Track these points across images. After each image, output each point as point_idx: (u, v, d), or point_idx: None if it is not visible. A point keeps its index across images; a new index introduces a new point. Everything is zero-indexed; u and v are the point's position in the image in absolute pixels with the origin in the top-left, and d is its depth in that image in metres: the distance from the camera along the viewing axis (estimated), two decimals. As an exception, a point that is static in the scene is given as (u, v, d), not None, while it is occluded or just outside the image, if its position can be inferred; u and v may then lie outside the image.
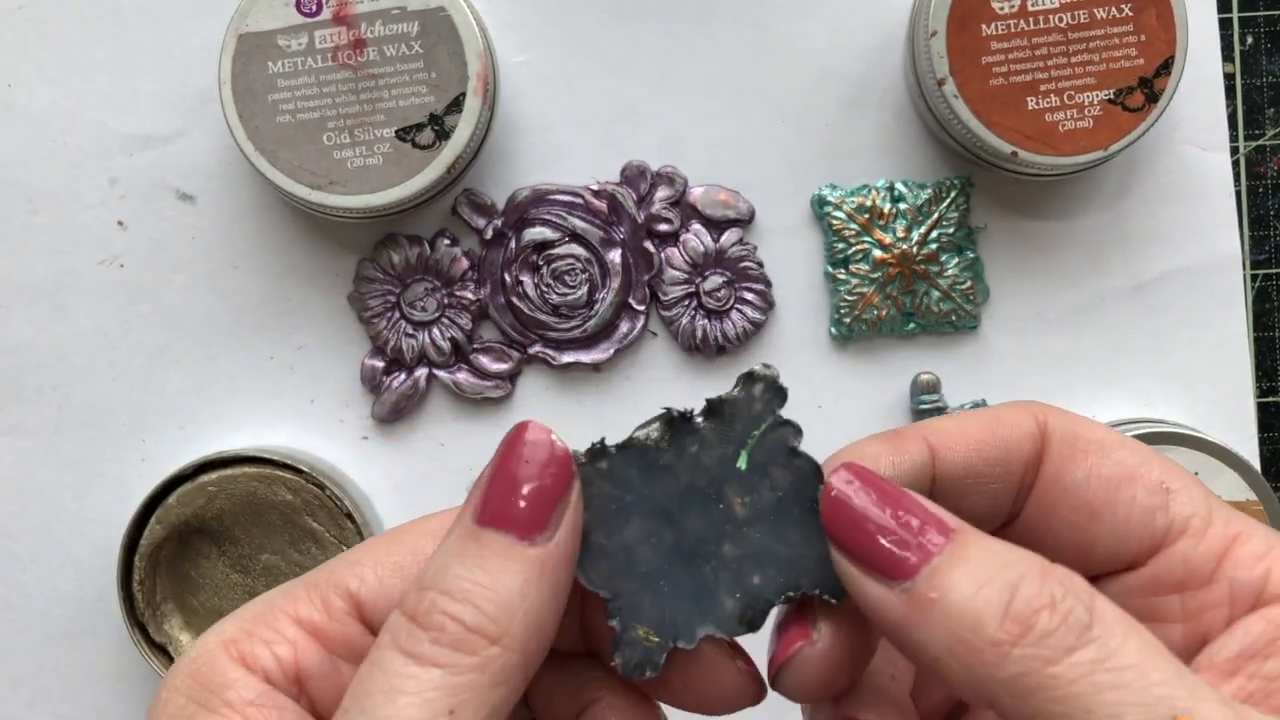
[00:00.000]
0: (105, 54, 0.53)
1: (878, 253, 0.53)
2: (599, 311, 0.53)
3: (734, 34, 0.53)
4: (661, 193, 0.53)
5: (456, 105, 0.49)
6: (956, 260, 0.53)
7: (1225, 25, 0.54)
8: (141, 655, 0.50)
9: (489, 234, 0.53)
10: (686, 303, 0.54)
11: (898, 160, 0.54)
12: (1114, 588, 0.30)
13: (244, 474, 0.50)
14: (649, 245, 0.53)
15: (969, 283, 0.53)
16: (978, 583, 0.26)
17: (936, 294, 0.53)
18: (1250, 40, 0.55)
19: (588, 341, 0.54)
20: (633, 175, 0.53)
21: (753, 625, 0.29)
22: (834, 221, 0.53)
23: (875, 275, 0.53)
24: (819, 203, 0.53)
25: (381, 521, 0.53)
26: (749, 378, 0.29)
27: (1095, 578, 0.31)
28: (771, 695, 0.30)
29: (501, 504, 0.27)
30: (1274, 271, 0.55)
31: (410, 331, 0.53)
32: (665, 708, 0.31)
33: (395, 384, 0.54)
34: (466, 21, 0.49)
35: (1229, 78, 0.54)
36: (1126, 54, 0.49)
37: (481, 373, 0.54)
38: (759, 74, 0.53)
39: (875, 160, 0.54)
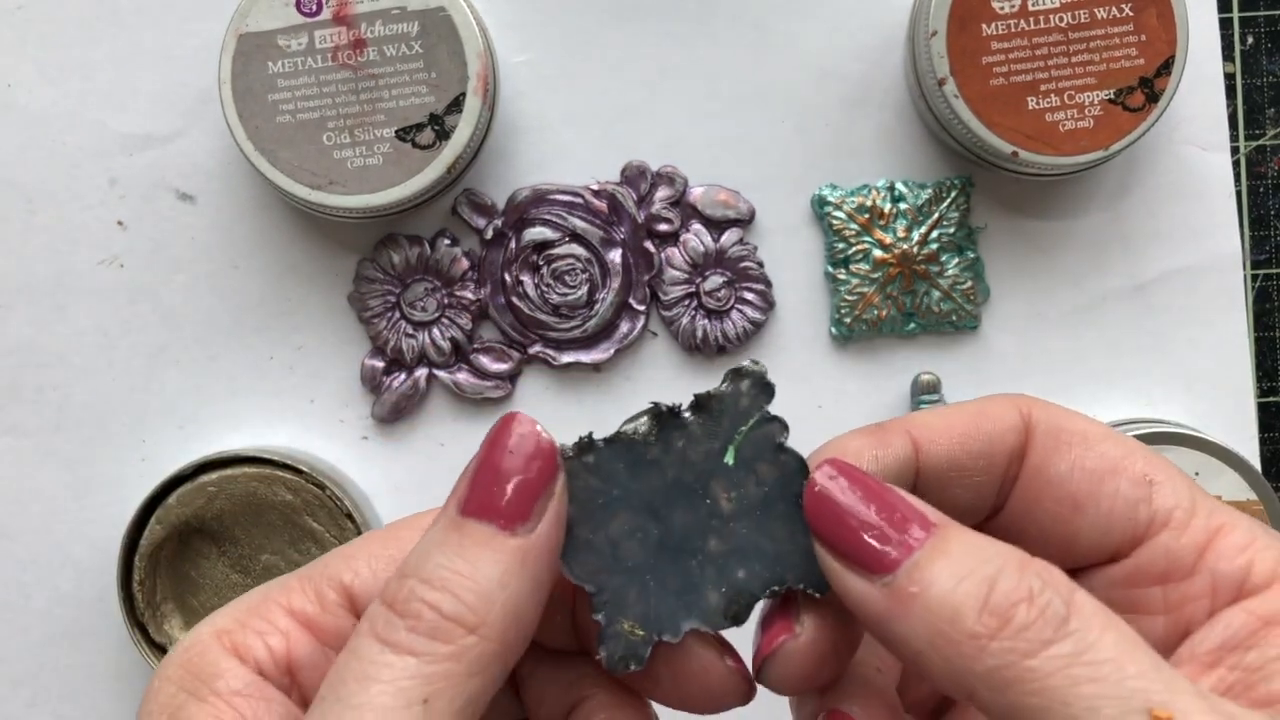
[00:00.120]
0: (105, 54, 0.53)
1: (878, 253, 0.53)
2: (599, 311, 0.53)
3: (734, 34, 0.53)
4: (661, 193, 0.53)
5: (456, 105, 0.49)
6: (957, 260, 0.53)
7: (1225, 25, 0.54)
8: (141, 655, 0.50)
9: (489, 234, 0.53)
10: (687, 303, 0.54)
11: (898, 160, 0.54)
12: (1097, 580, 0.30)
13: (244, 474, 0.50)
14: (649, 245, 0.53)
15: (969, 283, 0.53)
16: (957, 576, 0.26)
17: (937, 294, 0.53)
18: (1250, 40, 0.55)
19: (588, 341, 0.54)
20: (633, 175, 0.53)
21: (737, 619, 0.29)
22: (834, 221, 0.53)
23: (875, 275, 0.53)
24: (819, 203, 0.53)
25: (381, 522, 0.53)
26: (736, 373, 0.29)
27: (1079, 570, 0.31)
28: (763, 691, 0.30)
29: (484, 495, 0.27)
30: (1274, 271, 0.55)
31: (410, 331, 0.53)
32: (657, 707, 0.31)
33: (395, 384, 0.54)
34: (466, 21, 0.49)
35: (1229, 77, 0.54)
36: (1127, 54, 0.49)
37: (481, 373, 0.54)
38: (759, 74, 0.53)
39: (875, 160, 0.54)
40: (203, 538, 0.51)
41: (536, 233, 0.53)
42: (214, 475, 0.50)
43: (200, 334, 0.54)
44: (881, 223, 0.53)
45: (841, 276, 0.53)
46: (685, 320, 0.53)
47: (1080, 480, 0.30)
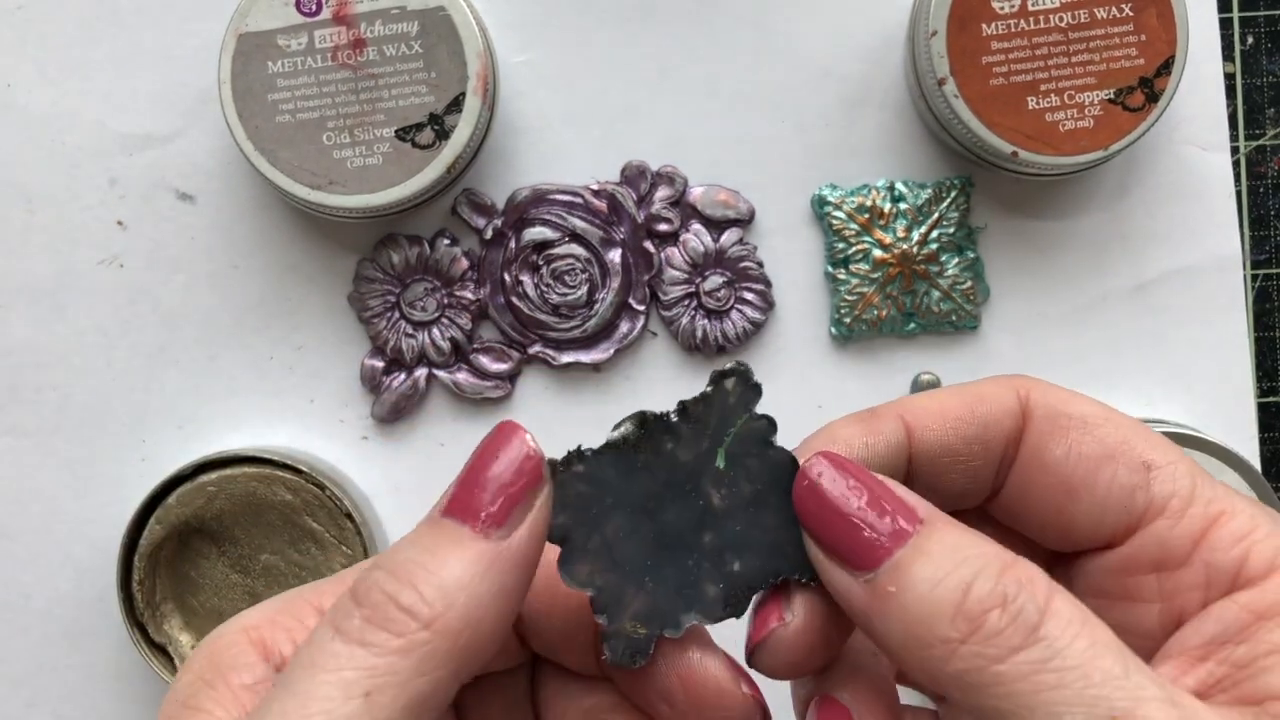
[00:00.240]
0: (105, 54, 0.53)
1: (878, 253, 0.53)
2: (599, 311, 0.53)
3: (734, 34, 0.53)
4: (661, 193, 0.53)
5: (456, 105, 0.49)
6: (957, 260, 0.53)
7: (1225, 25, 0.54)
8: (141, 655, 0.50)
9: (489, 234, 0.53)
10: (686, 303, 0.54)
11: (898, 160, 0.54)
12: (1094, 565, 0.30)
13: (243, 474, 0.50)
14: (649, 245, 0.53)
15: (969, 283, 0.53)
16: (934, 580, 0.26)
17: (937, 294, 0.53)
18: (1251, 40, 0.55)
19: (588, 341, 0.54)
20: (633, 175, 0.53)
21: (736, 611, 0.30)
22: (834, 221, 0.53)
23: (875, 275, 0.53)
24: (819, 203, 0.53)
25: (381, 521, 0.53)
26: (721, 375, 0.29)
27: (1076, 555, 0.31)
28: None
29: (466, 497, 0.27)
30: (1274, 271, 0.55)
31: (410, 331, 0.53)
32: None
33: (395, 384, 0.54)
34: (466, 21, 0.49)
35: (1229, 77, 0.54)
36: (1127, 54, 0.49)
37: (481, 373, 0.54)
38: (759, 74, 0.53)
39: (875, 160, 0.54)
40: (202, 538, 0.51)
41: (536, 233, 0.53)
42: (214, 475, 0.50)
43: (200, 334, 0.54)
44: (881, 223, 0.53)
45: (841, 276, 0.53)
46: (685, 320, 0.53)
47: (1076, 466, 0.30)
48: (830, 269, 0.53)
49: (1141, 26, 0.48)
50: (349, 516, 0.50)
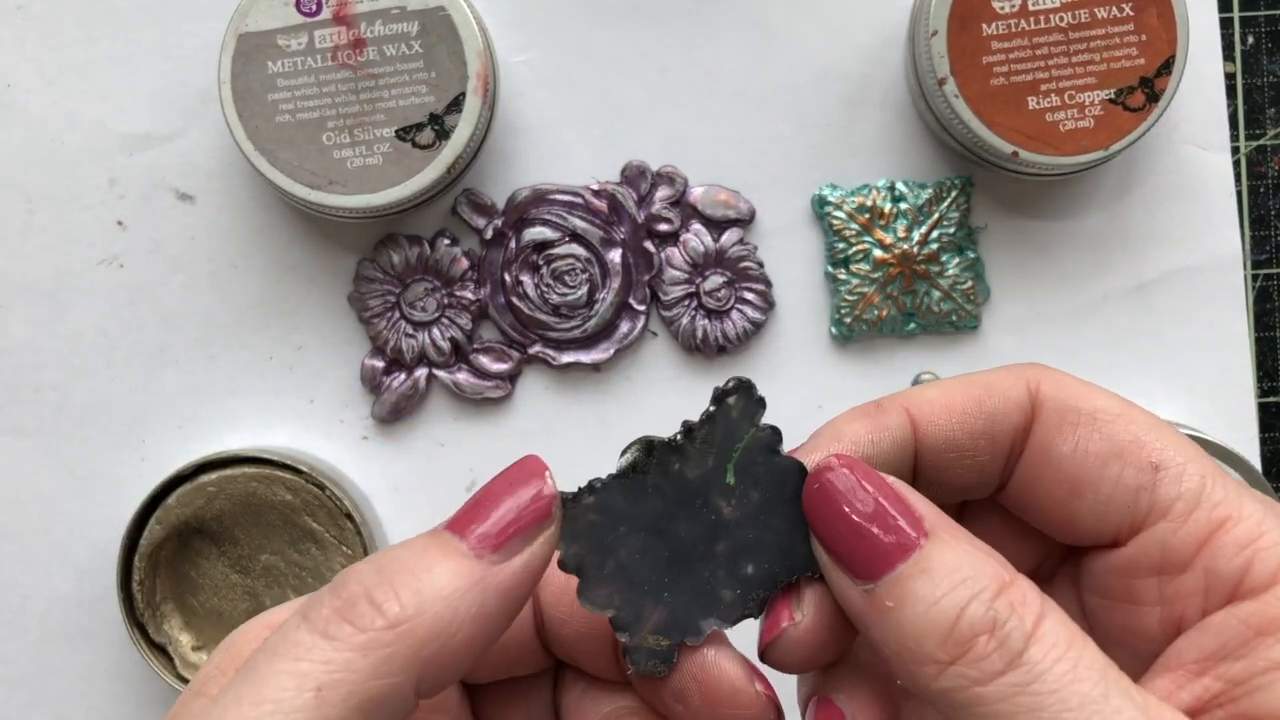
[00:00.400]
0: (104, 53, 0.53)
1: (878, 253, 0.53)
2: (599, 311, 0.53)
3: (734, 34, 0.53)
4: (661, 193, 0.53)
5: (456, 105, 0.49)
6: (957, 260, 0.53)
7: (1226, 25, 0.54)
8: (141, 655, 0.50)
9: (489, 234, 0.53)
10: (687, 303, 0.53)
11: (898, 160, 0.54)
12: (1098, 563, 0.30)
13: (243, 474, 0.50)
14: (649, 245, 0.53)
15: (970, 283, 0.53)
16: (931, 600, 0.26)
17: (937, 294, 0.53)
18: (1251, 40, 0.55)
19: (588, 341, 0.54)
20: (633, 175, 0.53)
21: (753, 612, 0.30)
22: (834, 221, 0.53)
23: (876, 275, 0.53)
24: (819, 203, 0.53)
25: (381, 522, 0.53)
26: (724, 392, 0.29)
27: (1084, 551, 0.31)
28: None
29: (471, 515, 0.27)
30: (1275, 271, 0.55)
31: (410, 331, 0.53)
32: None
33: (395, 384, 0.54)
34: (466, 21, 0.49)
35: (1230, 77, 0.54)
36: (1127, 53, 0.49)
37: (481, 373, 0.54)
38: (759, 74, 0.53)
39: (876, 160, 0.54)
40: (202, 538, 0.51)
41: (536, 233, 0.53)
42: (214, 475, 0.50)
43: (200, 334, 0.54)
44: (882, 223, 0.53)
45: (842, 276, 0.53)
46: (685, 320, 0.53)
47: (1082, 463, 0.29)
48: (830, 269, 0.53)
49: (1142, 26, 0.48)
50: (349, 517, 0.50)
